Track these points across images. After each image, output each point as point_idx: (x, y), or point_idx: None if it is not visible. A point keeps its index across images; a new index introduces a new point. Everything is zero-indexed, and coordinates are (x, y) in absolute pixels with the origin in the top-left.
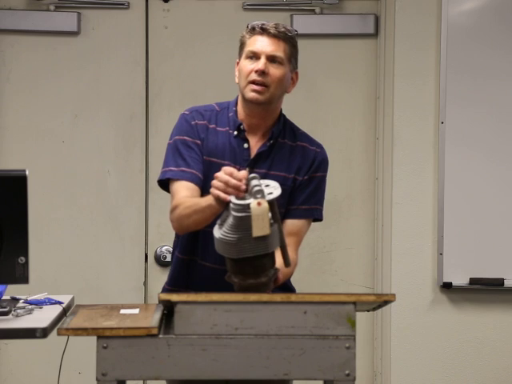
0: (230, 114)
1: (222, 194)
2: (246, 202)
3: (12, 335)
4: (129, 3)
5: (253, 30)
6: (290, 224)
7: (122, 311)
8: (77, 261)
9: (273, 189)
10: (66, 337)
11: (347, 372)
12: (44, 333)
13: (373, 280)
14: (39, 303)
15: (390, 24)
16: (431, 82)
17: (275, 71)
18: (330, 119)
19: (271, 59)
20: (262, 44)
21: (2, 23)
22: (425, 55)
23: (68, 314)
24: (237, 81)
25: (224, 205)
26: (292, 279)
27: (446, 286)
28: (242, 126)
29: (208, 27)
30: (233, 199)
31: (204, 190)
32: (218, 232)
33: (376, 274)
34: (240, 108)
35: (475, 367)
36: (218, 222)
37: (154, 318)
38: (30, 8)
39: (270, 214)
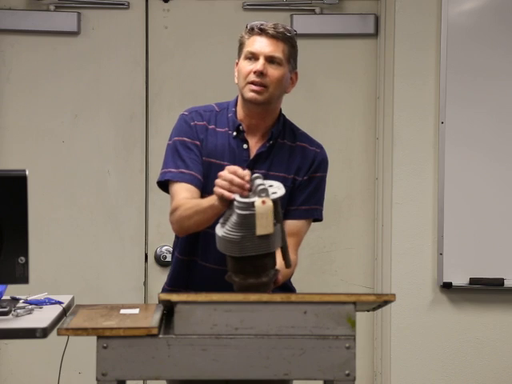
0: (230, 115)
1: (226, 193)
2: (251, 200)
3: (12, 335)
4: (129, 3)
5: (251, 31)
6: (290, 224)
7: (122, 311)
8: (77, 261)
9: (276, 189)
10: (66, 337)
11: (347, 372)
12: (44, 333)
13: (373, 280)
14: (39, 303)
15: (390, 24)
16: (431, 82)
17: (274, 72)
18: (330, 119)
19: (270, 60)
20: (261, 45)
21: (2, 23)
22: (425, 55)
23: (68, 314)
24: (236, 81)
25: (227, 204)
26: (292, 279)
27: (446, 286)
28: (241, 127)
29: (208, 27)
30: (237, 197)
31: (203, 191)
32: (220, 230)
33: (376, 274)
34: (239, 108)
35: (475, 367)
36: (221, 220)
37: (153, 318)
38: (30, 8)
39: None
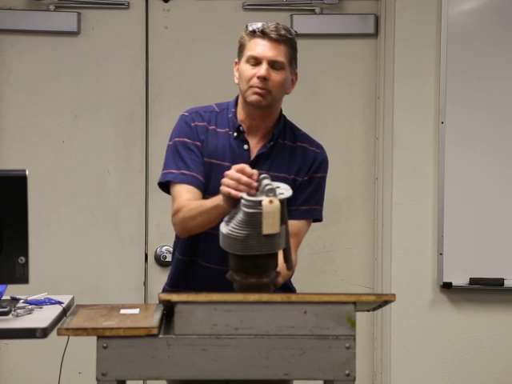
0: (230, 115)
1: (234, 192)
2: (258, 198)
3: (12, 335)
4: (129, 3)
5: (253, 33)
6: (290, 224)
7: (122, 311)
8: (77, 261)
9: (284, 190)
10: (66, 337)
11: (347, 372)
12: (44, 333)
13: (373, 280)
14: (39, 303)
15: (390, 24)
16: (431, 82)
17: (276, 76)
18: (330, 119)
19: (272, 64)
20: (264, 48)
21: (2, 23)
22: (425, 55)
23: (68, 314)
24: (236, 81)
25: (232, 204)
26: (292, 279)
27: (446, 286)
28: (241, 128)
29: (208, 27)
30: (244, 195)
31: (205, 192)
32: (225, 228)
33: (376, 274)
34: (240, 109)
35: (475, 367)
36: (225, 219)
37: (154, 318)
38: (29, 8)
39: None
